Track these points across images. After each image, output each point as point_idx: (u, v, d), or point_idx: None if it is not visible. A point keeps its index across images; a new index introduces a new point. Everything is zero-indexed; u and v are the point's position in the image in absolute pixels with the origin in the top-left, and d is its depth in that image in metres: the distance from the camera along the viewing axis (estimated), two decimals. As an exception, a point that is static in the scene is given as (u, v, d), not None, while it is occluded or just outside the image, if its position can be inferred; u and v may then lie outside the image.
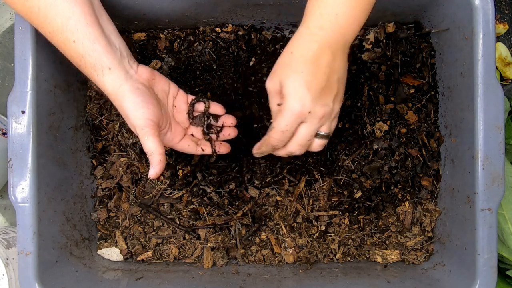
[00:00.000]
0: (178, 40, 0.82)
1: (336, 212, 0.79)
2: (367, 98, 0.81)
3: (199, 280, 0.74)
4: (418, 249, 0.79)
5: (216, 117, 0.72)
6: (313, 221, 0.80)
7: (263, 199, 0.80)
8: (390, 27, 0.80)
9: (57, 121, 0.72)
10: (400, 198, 0.80)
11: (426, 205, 0.79)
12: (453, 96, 0.74)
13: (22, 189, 0.65)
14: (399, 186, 0.80)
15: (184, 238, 0.80)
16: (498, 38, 0.92)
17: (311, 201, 0.80)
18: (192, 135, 0.72)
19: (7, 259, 0.74)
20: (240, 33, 0.81)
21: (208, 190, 0.80)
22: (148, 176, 0.63)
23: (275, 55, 0.82)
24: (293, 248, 0.79)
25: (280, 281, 0.74)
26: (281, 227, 0.80)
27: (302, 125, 0.58)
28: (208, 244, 0.79)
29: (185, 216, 0.80)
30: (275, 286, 0.73)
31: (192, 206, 0.80)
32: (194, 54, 0.81)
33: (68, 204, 0.75)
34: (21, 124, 0.65)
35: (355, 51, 0.81)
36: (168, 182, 0.80)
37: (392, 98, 0.81)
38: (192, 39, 0.81)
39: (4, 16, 0.92)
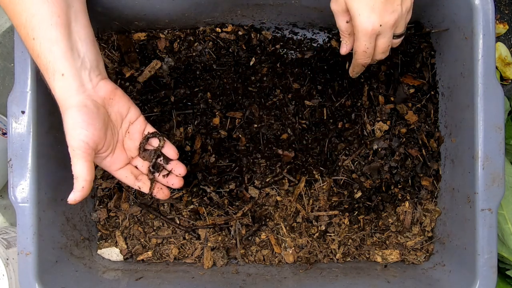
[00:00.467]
0: (178, 40, 0.82)
1: (336, 212, 0.79)
2: (367, 98, 0.81)
3: (199, 280, 0.74)
4: (418, 249, 0.79)
5: (168, 159, 0.69)
6: (313, 221, 0.80)
7: (263, 199, 0.80)
8: (390, 27, 0.80)
9: (57, 121, 0.72)
10: (400, 198, 0.80)
11: (426, 205, 0.80)
12: (453, 96, 0.74)
13: (22, 189, 0.65)
14: (399, 186, 0.80)
15: (184, 238, 0.80)
16: (498, 38, 0.92)
17: (311, 201, 0.80)
18: (136, 167, 0.68)
19: (7, 259, 0.74)
20: (240, 33, 0.82)
21: (208, 190, 0.80)
22: (67, 200, 0.59)
23: (275, 55, 0.82)
24: (293, 248, 0.79)
25: (280, 281, 0.74)
26: (281, 227, 0.80)
27: (379, 37, 0.58)
28: (208, 244, 0.79)
29: (185, 216, 0.80)
30: (275, 286, 0.73)
31: (192, 206, 0.80)
32: (194, 54, 0.81)
33: (68, 204, 0.74)
34: (21, 124, 0.65)
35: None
36: (168, 182, 0.80)
37: (392, 98, 0.81)
38: (192, 39, 0.81)
39: (4, 16, 0.92)
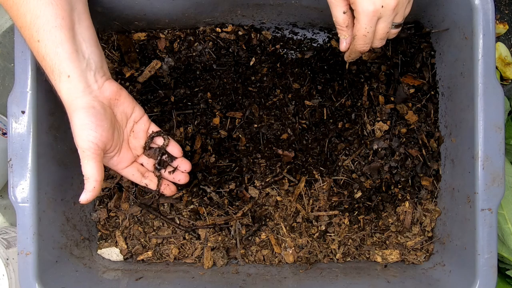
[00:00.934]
0: (178, 40, 0.82)
1: (336, 212, 0.79)
2: (367, 98, 0.81)
3: (199, 280, 0.74)
4: (418, 249, 0.79)
5: (172, 157, 0.71)
6: (313, 221, 0.80)
7: (263, 199, 0.80)
8: (390, 27, 0.80)
9: (57, 121, 0.72)
10: (400, 198, 0.80)
11: (426, 205, 0.79)
12: (453, 96, 0.74)
13: (22, 189, 0.65)
14: (399, 186, 0.80)
15: (184, 238, 0.80)
16: (498, 38, 0.92)
17: (311, 201, 0.80)
18: (142, 165, 0.70)
19: (7, 259, 0.74)
20: (240, 33, 0.82)
21: (208, 190, 0.80)
22: (79, 200, 0.61)
23: (275, 55, 0.82)
24: (293, 248, 0.79)
25: (280, 281, 0.74)
26: (281, 227, 0.80)
27: (379, 21, 0.58)
28: (208, 244, 0.79)
29: (185, 216, 0.80)
30: (275, 286, 0.73)
31: (192, 206, 0.80)
32: (194, 54, 0.81)
33: (68, 204, 0.75)
34: (21, 124, 0.65)
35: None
36: (168, 182, 0.80)
37: (392, 98, 0.81)
38: (192, 39, 0.81)
39: (4, 16, 0.92)
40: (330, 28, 0.82)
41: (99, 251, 0.80)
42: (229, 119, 0.81)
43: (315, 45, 0.83)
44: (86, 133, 0.58)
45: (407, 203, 0.79)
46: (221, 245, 0.80)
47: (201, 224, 0.80)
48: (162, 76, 0.81)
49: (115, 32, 0.81)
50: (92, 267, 0.77)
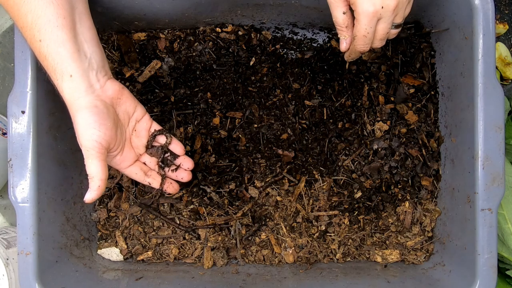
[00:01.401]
0: (178, 40, 0.82)
1: (336, 212, 0.79)
2: (367, 98, 0.81)
3: (199, 280, 0.74)
4: (418, 249, 0.79)
5: (174, 155, 0.71)
6: (313, 221, 0.80)
7: (263, 199, 0.80)
8: (390, 27, 0.80)
9: (57, 121, 0.72)
10: (400, 198, 0.80)
11: (426, 205, 0.79)
12: (453, 96, 0.74)
13: (22, 189, 0.65)
14: (399, 186, 0.80)
15: (184, 238, 0.80)
16: (498, 38, 0.92)
17: (311, 201, 0.80)
18: (145, 163, 0.70)
19: (7, 259, 0.74)
20: (240, 33, 0.82)
21: (208, 190, 0.80)
22: (84, 200, 0.60)
23: (275, 55, 0.82)
24: (293, 248, 0.79)
25: (280, 281, 0.74)
26: (281, 227, 0.80)
27: (380, 22, 0.59)
28: (208, 244, 0.79)
29: (185, 216, 0.80)
30: (275, 286, 0.73)
31: (192, 206, 0.80)
32: (194, 54, 0.81)
33: (68, 204, 0.75)
34: (21, 124, 0.65)
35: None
36: (168, 182, 0.80)
37: (392, 98, 0.81)
38: (192, 39, 0.81)
39: (4, 16, 0.92)
40: (330, 28, 0.82)
41: (99, 251, 0.80)
42: (229, 119, 0.81)
43: (315, 45, 0.83)
44: (90, 132, 0.58)
45: (407, 203, 0.79)
46: (221, 245, 0.80)
47: (201, 224, 0.80)
48: (162, 76, 0.81)
49: (115, 32, 0.81)
50: (92, 267, 0.77)
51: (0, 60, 0.92)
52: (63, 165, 0.74)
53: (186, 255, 0.80)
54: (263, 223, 0.80)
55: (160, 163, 0.70)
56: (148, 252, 0.80)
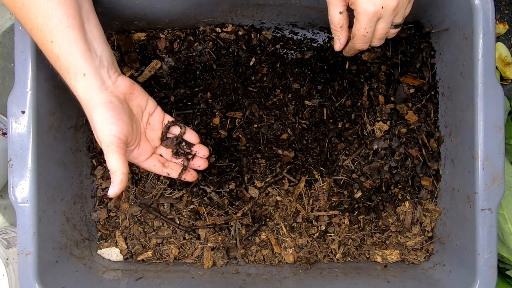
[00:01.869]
0: (178, 40, 0.82)
1: (336, 212, 0.79)
2: (367, 98, 0.81)
3: (199, 280, 0.74)
4: (418, 249, 0.79)
5: (190, 144, 0.71)
6: (313, 221, 0.80)
7: (263, 199, 0.80)
8: (390, 27, 0.80)
9: (57, 121, 0.72)
10: (400, 198, 0.80)
11: (426, 205, 0.79)
12: (453, 96, 0.74)
13: (22, 189, 0.65)
14: (399, 186, 0.80)
15: (184, 238, 0.80)
16: (498, 38, 0.92)
17: (311, 201, 0.80)
18: (161, 155, 0.70)
19: (7, 259, 0.74)
20: (240, 33, 0.82)
21: (208, 190, 0.80)
22: (107, 195, 0.61)
23: (275, 55, 0.82)
24: (293, 248, 0.79)
25: (280, 281, 0.74)
26: (281, 227, 0.80)
27: (379, 21, 0.59)
28: (208, 244, 0.79)
29: (185, 216, 0.80)
30: (275, 286, 0.73)
31: (192, 206, 0.80)
32: (194, 54, 0.81)
33: (68, 204, 0.75)
34: (21, 124, 0.65)
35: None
36: (168, 182, 0.80)
37: (392, 98, 0.81)
38: (192, 39, 0.81)
39: (4, 16, 0.92)
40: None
41: (99, 251, 0.80)
42: (229, 119, 0.81)
43: (315, 45, 0.83)
44: (108, 128, 0.58)
45: (407, 203, 0.79)
46: (221, 245, 0.80)
47: (201, 224, 0.80)
48: (162, 76, 0.81)
49: (115, 32, 0.81)
50: (92, 267, 0.77)
51: (0, 60, 0.92)
52: (63, 165, 0.74)
53: (186, 255, 0.80)
54: (263, 223, 0.80)
55: (175, 153, 0.70)
56: (148, 252, 0.80)
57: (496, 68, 0.89)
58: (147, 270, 0.78)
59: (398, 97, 0.81)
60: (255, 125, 0.81)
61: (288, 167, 0.80)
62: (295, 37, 0.83)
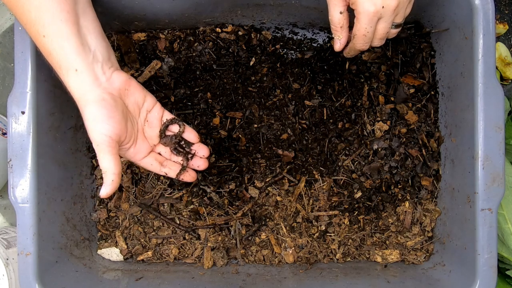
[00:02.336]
0: (178, 40, 0.82)
1: (336, 212, 0.79)
2: (367, 98, 0.81)
3: (199, 280, 0.74)
4: (418, 249, 0.79)
5: (189, 143, 0.69)
6: (313, 221, 0.80)
7: (263, 199, 0.80)
8: (390, 27, 0.80)
9: (57, 121, 0.72)
10: (400, 198, 0.80)
11: (426, 205, 0.79)
12: (453, 96, 0.74)
13: (22, 190, 0.65)
14: (399, 186, 0.80)
15: (184, 238, 0.80)
16: (498, 38, 0.92)
17: (311, 201, 0.80)
18: (160, 154, 0.68)
19: (7, 259, 0.74)
20: (240, 33, 0.81)
21: (208, 190, 0.80)
22: (99, 195, 0.60)
23: (275, 55, 0.82)
24: (293, 248, 0.79)
25: (280, 281, 0.74)
26: (281, 227, 0.80)
27: (380, 21, 0.59)
28: (208, 244, 0.79)
29: (185, 216, 0.80)
30: (275, 286, 0.73)
31: (192, 206, 0.80)
32: (194, 54, 0.81)
33: (68, 204, 0.75)
34: (21, 124, 0.65)
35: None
36: (168, 182, 0.80)
37: (392, 98, 0.81)
38: (192, 39, 0.81)
39: (4, 16, 0.92)
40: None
41: (99, 251, 0.80)
42: (229, 119, 0.81)
43: (315, 45, 0.83)
44: (99, 127, 0.57)
45: (407, 203, 0.79)
46: (221, 245, 0.80)
47: (201, 224, 0.80)
48: (162, 76, 0.81)
49: (115, 32, 0.81)
50: (92, 267, 0.77)
51: (0, 60, 0.92)
52: (63, 165, 0.74)
53: (186, 255, 0.80)
54: (263, 223, 0.80)
55: (174, 152, 0.68)
56: (148, 252, 0.80)
57: (496, 68, 0.89)
58: (147, 270, 0.78)
59: (398, 97, 0.81)
60: (255, 125, 0.81)
61: (288, 167, 0.80)
62: (295, 37, 0.83)
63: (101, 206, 0.81)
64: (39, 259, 0.66)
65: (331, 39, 0.83)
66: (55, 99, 0.71)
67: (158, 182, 0.81)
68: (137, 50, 0.82)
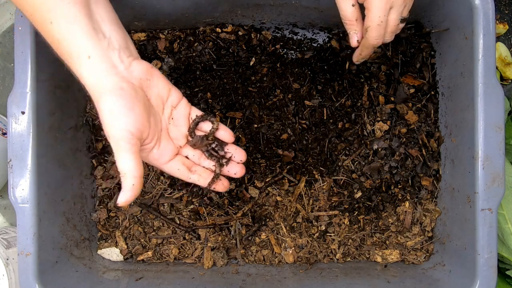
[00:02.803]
0: (178, 40, 0.82)
1: (336, 212, 0.79)
2: (367, 98, 0.81)
3: (199, 280, 0.74)
4: (418, 249, 0.79)
5: (222, 145, 0.59)
6: (313, 221, 0.80)
7: (263, 199, 0.80)
8: (390, 27, 0.80)
9: (57, 121, 0.72)
10: (400, 198, 0.80)
11: (426, 205, 0.80)
12: (453, 96, 0.74)
13: (22, 190, 0.65)
14: (399, 186, 0.80)
15: (184, 238, 0.80)
16: (498, 38, 0.92)
17: (311, 201, 0.80)
18: (187, 157, 0.59)
19: (7, 259, 0.74)
20: (240, 33, 0.81)
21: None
22: (117, 203, 0.51)
23: (275, 55, 0.82)
24: (293, 248, 0.79)
25: (280, 281, 0.74)
26: (281, 227, 0.80)
27: (391, 12, 0.57)
28: (208, 244, 0.79)
29: (185, 216, 0.80)
30: (275, 286, 0.73)
31: (192, 206, 0.80)
32: (194, 54, 0.81)
33: (68, 205, 0.75)
34: (21, 124, 0.65)
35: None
36: (168, 182, 0.80)
37: (392, 98, 0.81)
38: (192, 39, 0.81)
39: (4, 16, 0.92)
40: (330, 28, 0.82)
41: (99, 251, 0.80)
42: (229, 119, 0.81)
43: (315, 45, 0.83)
44: (118, 120, 0.49)
45: (407, 203, 0.79)
46: (221, 245, 0.80)
47: (201, 224, 0.80)
48: (162, 76, 0.81)
49: (115, 32, 0.81)
50: (92, 267, 0.77)
51: (0, 60, 0.92)
52: (63, 165, 0.74)
53: (186, 255, 0.80)
54: (263, 223, 0.80)
55: (206, 154, 0.57)
56: (148, 252, 0.80)
57: (496, 68, 0.89)
58: (147, 270, 0.78)
59: (398, 97, 0.81)
60: (255, 125, 0.81)
61: (288, 167, 0.80)
62: (295, 37, 0.83)
63: (101, 206, 0.81)
64: (39, 259, 0.66)
65: (331, 39, 0.83)
66: (55, 99, 0.71)
67: (158, 182, 0.81)
68: (137, 50, 0.81)
